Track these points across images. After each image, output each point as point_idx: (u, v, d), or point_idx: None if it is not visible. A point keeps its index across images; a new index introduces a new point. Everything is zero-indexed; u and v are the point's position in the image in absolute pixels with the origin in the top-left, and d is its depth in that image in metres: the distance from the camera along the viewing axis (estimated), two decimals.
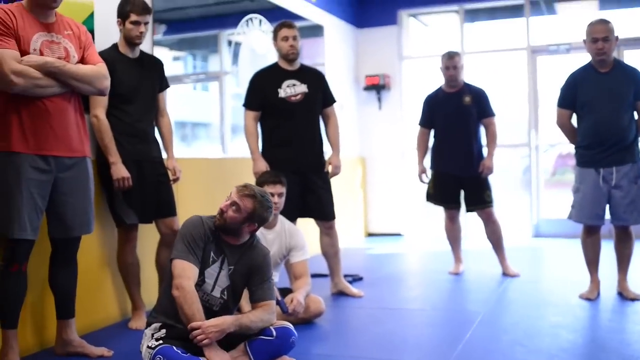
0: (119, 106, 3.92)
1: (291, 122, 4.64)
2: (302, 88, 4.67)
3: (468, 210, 5.57)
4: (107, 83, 3.34)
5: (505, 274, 5.46)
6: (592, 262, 4.63)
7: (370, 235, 8.38)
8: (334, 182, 4.88)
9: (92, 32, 3.99)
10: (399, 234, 8.27)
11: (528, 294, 4.85)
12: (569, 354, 3.38)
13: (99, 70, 3.30)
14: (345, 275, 5.10)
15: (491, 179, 5.53)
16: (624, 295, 4.54)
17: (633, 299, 4.46)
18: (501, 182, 8.30)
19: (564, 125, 4.68)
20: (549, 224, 7.81)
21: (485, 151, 5.51)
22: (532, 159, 7.97)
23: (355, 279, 5.34)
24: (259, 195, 3.12)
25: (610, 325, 4.05)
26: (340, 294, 4.84)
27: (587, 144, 4.52)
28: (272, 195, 3.93)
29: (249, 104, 4.69)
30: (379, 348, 3.58)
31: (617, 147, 4.43)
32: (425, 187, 5.69)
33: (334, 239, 4.80)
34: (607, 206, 4.51)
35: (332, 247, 4.80)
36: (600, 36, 4.41)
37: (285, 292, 4.10)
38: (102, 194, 3.99)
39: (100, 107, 3.81)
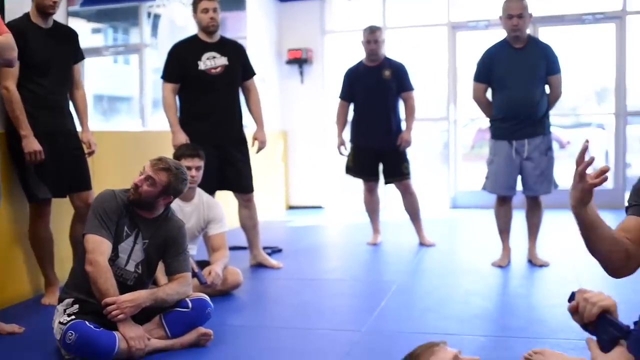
0: (31, 78, 3.80)
1: (211, 95, 4.60)
2: (222, 60, 4.63)
3: (386, 182, 5.66)
4: (14, 54, 3.23)
5: (422, 244, 5.59)
6: (504, 231, 4.79)
7: (291, 208, 8.41)
8: (255, 155, 4.88)
9: (2, 1, 3.86)
10: (319, 207, 8.34)
11: (443, 263, 4.99)
12: (479, 319, 3.51)
13: (5, 40, 3.19)
14: (265, 248, 5.13)
15: (410, 152, 5.63)
16: (533, 262, 4.72)
17: (541, 266, 4.65)
18: (422, 156, 8.45)
19: (480, 99, 4.80)
20: (466, 196, 8.00)
21: (404, 125, 5.59)
22: (450, 133, 8.12)
23: (274, 251, 5.38)
24: (174, 167, 3.10)
25: (520, 291, 4.21)
26: (259, 265, 4.86)
27: (501, 117, 4.66)
28: (190, 168, 3.92)
29: (167, 76, 4.63)
30: (295, 317, 3.63)
31: (529, 120, 4.59)
32: (345, 160, 5.75)
33: (253, 211, 4.81)
34: (519, 177, 4.67)
35: (251, 219, 4.81)
36: (515, 13, 4.54)
37: (203, 264, 4.10)
38: (13, 168, 3.89)
39: (10, 78, 3.69)
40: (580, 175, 1.90)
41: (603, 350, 1.75)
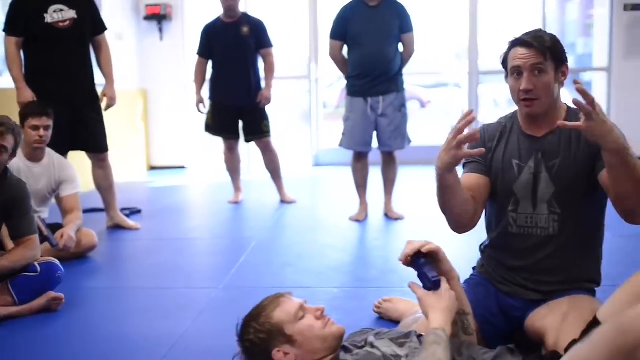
0: None
1: (59, 50, 4.39)
2: (70, 14, 4.42)
3: (247, 140, 5.64)
4: None
5: (283, 201, 5.64)
6: (361, 186, 4.91)
7: (152, 168, 8.22)
8: (112, 114, 4.73)
9: None
10: (182, 167, 8.19)
11: (302, 219, 5.07)
12: (335, 271, 3.60)
13: None
14: (123, 209, 5.00)
15: (272, 109, 5.62)
16: (389, 216, 4.88)
17: (397, 219, 4.82)
18: (286, 114, 8.47)
19: (336, 56, 4.87)
20: (328, 154, 8.09)
21: (264, 82, 5.57)
22: (312, 92, 8.18)
23: (133, 212, 5.25)
24: (14, 125, 2.98)
25: (375, 243, 4.36)
26: (116, 227, 4.73)
27: (356, 75, 4.75)
28: (38, 128, 3.79)
29: (10, 29, 4.37)
30: (152, 277, 3.59)
31: (383, 77, 4.70)
32: (204, 119, 5.68)
33: (108, 171, 4.67)
34: (375, 133, 4.79)
35: (106, 179, 4.67)
36: None
37: (55, 227, 3.95)
38: None
39: None
40: (459, 142, 1.93)
41: None
